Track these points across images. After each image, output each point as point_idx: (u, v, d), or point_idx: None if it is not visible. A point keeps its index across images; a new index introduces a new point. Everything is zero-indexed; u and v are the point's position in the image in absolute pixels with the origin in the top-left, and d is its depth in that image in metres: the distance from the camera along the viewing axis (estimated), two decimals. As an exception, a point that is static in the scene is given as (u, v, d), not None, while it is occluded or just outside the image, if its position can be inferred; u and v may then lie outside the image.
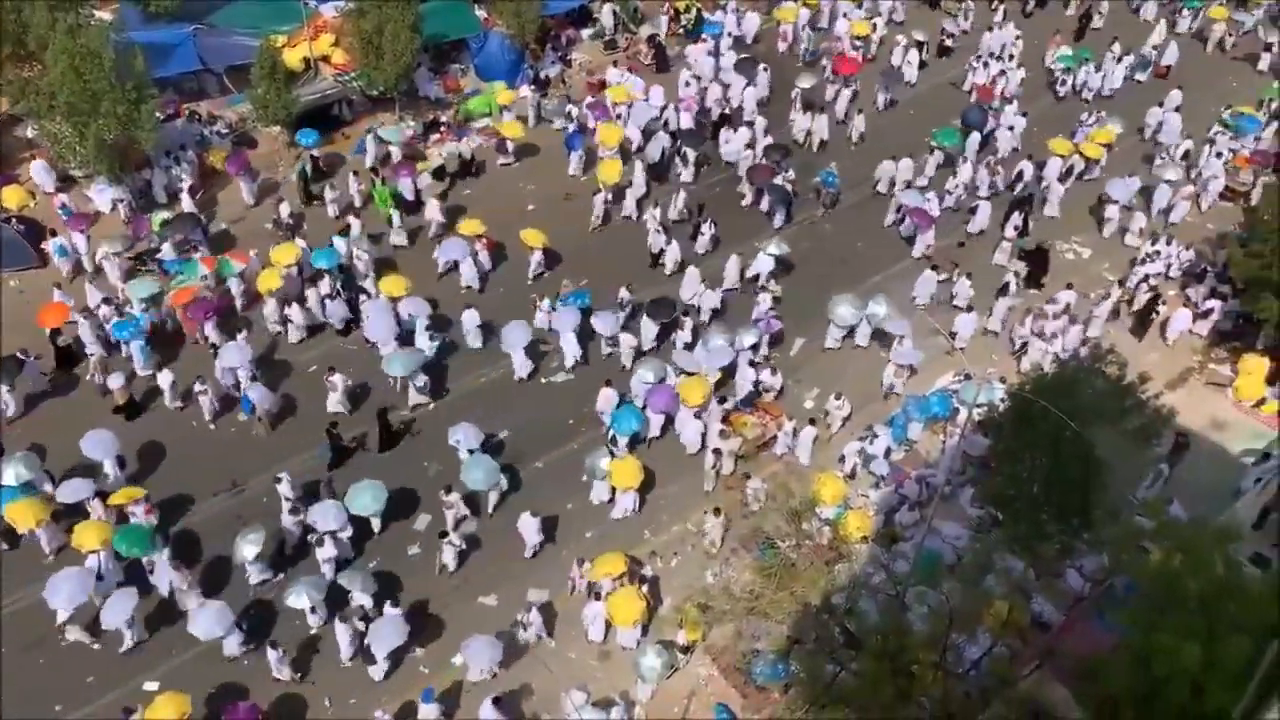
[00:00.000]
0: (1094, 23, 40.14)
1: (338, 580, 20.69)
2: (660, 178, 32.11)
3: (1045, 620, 20.81)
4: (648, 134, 32.82)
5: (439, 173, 31.65)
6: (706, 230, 29.32)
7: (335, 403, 24.58)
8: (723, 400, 24.68)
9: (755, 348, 26.05)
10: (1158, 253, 29.50)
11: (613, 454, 23.28)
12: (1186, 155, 33.75)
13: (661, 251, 28.94)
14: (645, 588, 20.82)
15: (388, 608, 20.15)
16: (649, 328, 26.54)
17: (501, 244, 28.98)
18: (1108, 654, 16.82)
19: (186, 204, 28.78)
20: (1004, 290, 27.95)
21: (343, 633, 20.07)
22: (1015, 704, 17.17)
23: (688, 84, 34.93)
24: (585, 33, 37.78)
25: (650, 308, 26.70)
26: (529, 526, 22.14)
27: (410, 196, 30.07)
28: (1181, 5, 40.89)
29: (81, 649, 20.31)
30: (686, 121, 33.65)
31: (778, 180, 30.68)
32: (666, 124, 33.66)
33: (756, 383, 25.40)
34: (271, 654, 19.57)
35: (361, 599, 20.24)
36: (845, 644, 18.23)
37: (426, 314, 26.01)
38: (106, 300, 25.89)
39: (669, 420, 24.70)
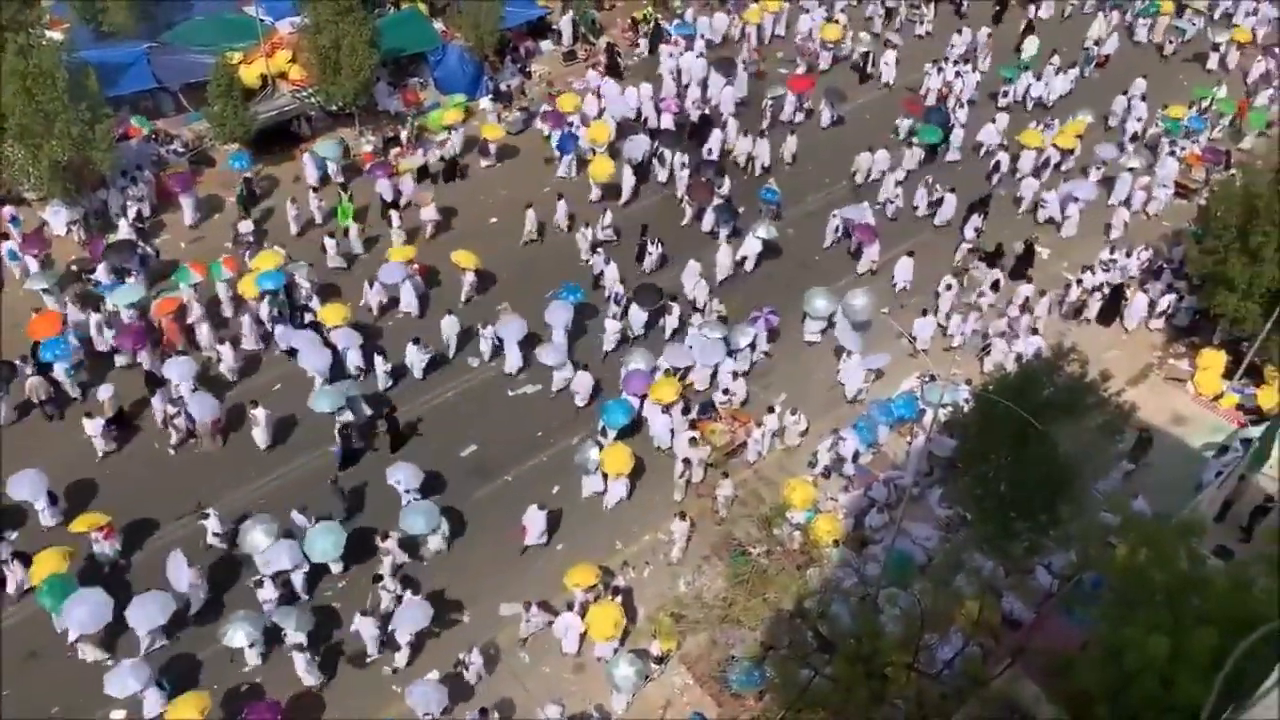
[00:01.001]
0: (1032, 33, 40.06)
1: (272, 618, 19.92)
2: (643, 180, 32.39)
3: (1016, 618, 20.96)
4: (623, 130, 33.09)
5: (422, 173, 31.73)
6: (653, 250, 28.79)
7: (260, 438, 23.93)
8: (687, 410, 24.73)
9: (753, 345, 26.49)
10: (1114, 261, 29.81)
11: (600, 445, 23.44)
12: (1136, 138, 34.81)
13: (601, 273, 28.21)
14: (618, 599, 20.75)
15: (408, 595, 20.46)
16: (638, 315, 27.01)
17: (436, 269, 28.40)
18: (1078, 650, 17.00)
19: (124, 230, 28.24)
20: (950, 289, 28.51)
21: (367, 626, 20.18)
22: (988, 703, 17.29)
23: (691, 83, 35.60)
24: (544, 44, 37.79)
25: (638, 295, 27.16)
26: (535, 519, 22.31)
27: (389, 197, 30.19)
28: (1138, 14, 41.39)
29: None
30: (667, 122, 34.01)
31: (717, 198, 30.42)
32: (646, 122, 34.08)
33: (725, 390, 25.49)
34: (300, 658, 19.58)
35: (296, 638, 19.58)
36: (819, 648, 18.28)
37: (359, 344, 25.30)
38: (96, 307, 25.98)
39: (637, 420, 24.78)
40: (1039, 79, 37.06)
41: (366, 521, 22.60)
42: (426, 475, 22.58)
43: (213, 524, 21.47)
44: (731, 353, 25.99)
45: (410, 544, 21.94)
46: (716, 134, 33.18)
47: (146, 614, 19.58)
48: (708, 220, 30.42)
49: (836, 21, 39.24)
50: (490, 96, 34.46)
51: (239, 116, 30.19)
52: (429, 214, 29.66)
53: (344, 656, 20.58)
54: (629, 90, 34.69)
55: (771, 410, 24.86)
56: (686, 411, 24.83)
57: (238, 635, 19.38)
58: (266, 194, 30.85)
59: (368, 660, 20.44)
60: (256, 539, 20.95)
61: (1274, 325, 25.28)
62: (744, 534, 22.16)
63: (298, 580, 20.99)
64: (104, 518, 21.31)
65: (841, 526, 22.49)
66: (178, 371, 24.18)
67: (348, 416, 23.76)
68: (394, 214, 29.49)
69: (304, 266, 27.36)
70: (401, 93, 34.12)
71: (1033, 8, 41.79)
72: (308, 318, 26.54)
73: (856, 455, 24.38)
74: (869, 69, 37.80)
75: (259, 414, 23.79)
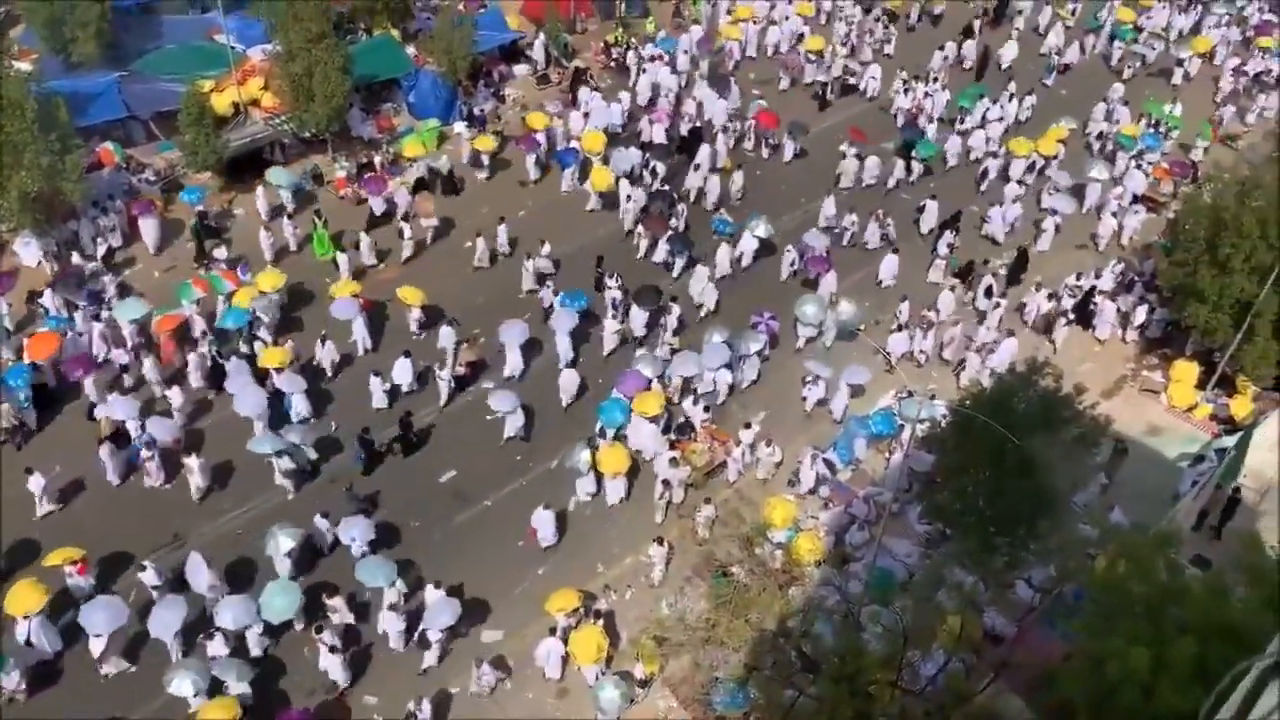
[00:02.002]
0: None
1: (212, 671, 19.23)
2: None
3: (998, 633, 21.00)
4: (614, 141, 33.47)
5: (419, 184, 31.84)
6: (612, 284, 28.26)
7: (195, 484, 23.17)
8: (667, 430, 24.72)
9: (761, 353, 26.94)
10: (1080, 288, 29.91)
11: (595, 446, 23.83)
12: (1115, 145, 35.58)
13: (551, 306, 27.79)
14: (600, 622, 20.64)
15: (430, 589, 20.82)
16: (638, 316, 27.42)
17: (383, 303, 27.87)
18: (1060, 662, 17.03)
19: (75, 260, 28.02)
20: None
21: (393, 621, 20.51)
22: (973, 718, 17.28)
23: (665, 96, 35.97)
24: (518, 68, 37.90)
25: (638, 296, 27.62)
26: (544, 521, 22.52)
27: (379, 210, 30.59)
28: (1113, 37, 41.82)
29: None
30: (659, 135, 34.29)
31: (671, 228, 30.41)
32: (640, 135, 34.40)
33: (706, 408, 25.52)
34: (333, 658, 19.75)
35: (238, 688, 19.09)
36: (803, 668, 18.23)
37: (302, 389, 24.73)
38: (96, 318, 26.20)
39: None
40: (994, 102, 36.85)
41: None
42: (380, 526, 22.22)
43: (149, 576, 20.73)
44: (741, 358, 26.43)
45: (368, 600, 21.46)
46: (705, 149, 33.49)
47: (165, 622, 19.78)
48: (660, 251, 30.11)
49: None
50: (464, 121, 34.49)
51: (211, 144, 30.08)
52: (429, 222, 30.17)
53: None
54: (613, 105, 35.02)
55: (748, 426, 24.87)
56: (666, 431, 24.85)
57: (184, 685, 18.94)
58: (225, 228, 30.26)
59: (393, 650, 20.84)
60: (281, 543, 21.26)
61: (1244, 336, 25.58)
62: (725, 554, 22.11)
63: (252, 638, 20.22)
64: (78, 551, 20.97)
65: (823, 544, 22.49)
66: (123, 410, 23.72)
67: (286, 464, 23.14)
68: (404, 225, 30.03)
69: (273, 303, 26.89)
70: (375, 119, 34.11)
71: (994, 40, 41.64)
72: (252, 352, 25.74)
73: (835, 472, 24.43)
74: (829, 96, 37.70)
75: (192, 462, 23.03)
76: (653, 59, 37.27)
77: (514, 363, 26.45)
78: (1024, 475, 18.98)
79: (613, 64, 38.20)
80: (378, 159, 32.86)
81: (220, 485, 23.66)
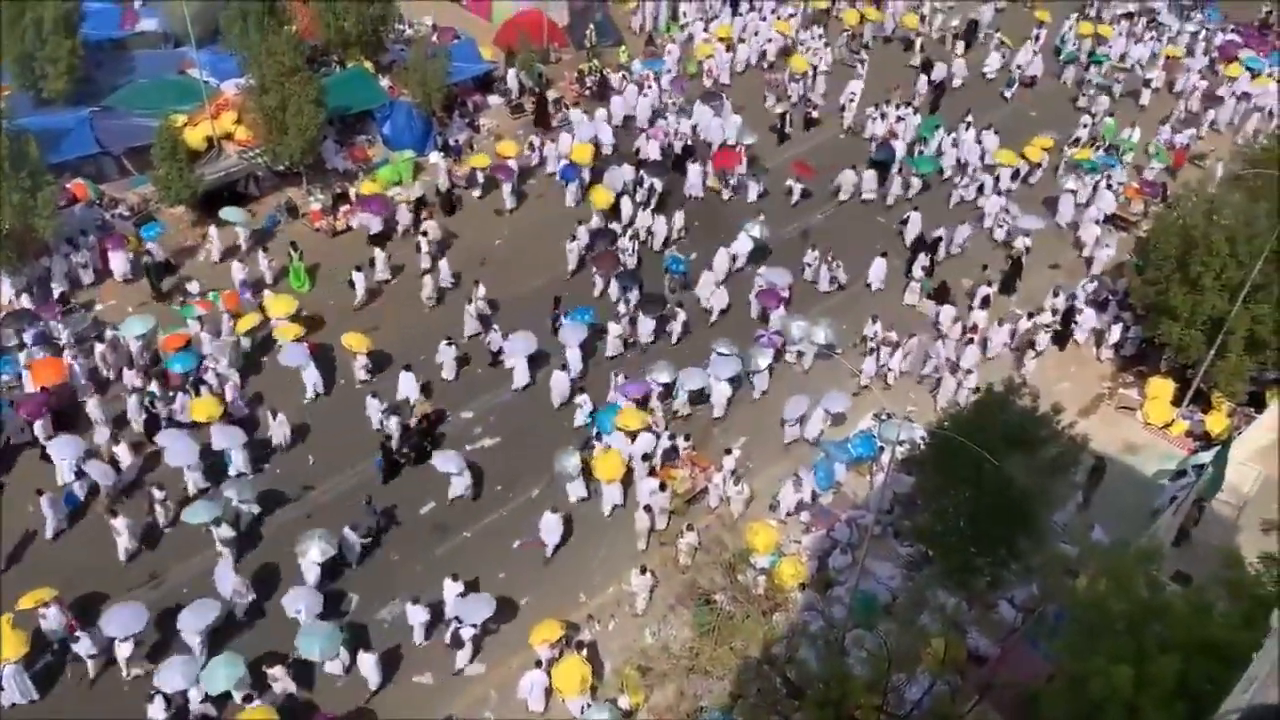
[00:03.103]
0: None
1: None
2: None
3: (982, 654, 20.98)
4: (597, 150, 33.99)
5: (419, 204, 32.10)
6: (566, 321, 27.78)
7: (122, 547, 22.23)
8: (647, 458, 24.69)
9: (770, 370, 27.34)
10: (1055, 310, 29.92)
11: (590, 450, 24.39)
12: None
13: (500, 350, 27.42)
14: (584, 653, 20.47)
15: (449, 583, 21.17)
16: (645, 324, 28.07)
17: (329, 345, 27.35)
18: (1044, 682, 17.02)
19: (24, 300, 27.72)
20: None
21: (417, 614, 20.80)
22: (959, 740, 17.25)
23: (664, 117, 36.38)
24: (492, 98, 38.02)
25: (644, 304, 28.33)
26: (551, 525, 22.76)
27: (376, 230, 30.94)
28: (1090, 62, 42.13)
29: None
30: (654, 152, 34.65)
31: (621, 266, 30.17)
32: (637, 152, 34.82)
33: (687, 435, 25.49)
34: (366, 657, 20.01)
35: None
36: (788, 694, 18.15)
37: (241, 443, 23.82)
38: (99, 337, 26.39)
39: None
40: (949, 133, 36.69)
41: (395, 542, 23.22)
42: (327, 596, 21.55)
43: (84, 645, 20.08)
44: (750, 374, 26.92)
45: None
46: (695, 169, 33.82)
47: (193, 619, 20.09)
48: (613, 290, 29.53)
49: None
50: (439, 151, 34.54)
51: (185, 179, 29.95)
52: (435, 235, 30.64)
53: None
54: (598, 123, 35.53)
55: (729, 453, 24.84)
56: (647, 459, 24.81)
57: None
58: (178, 264, 29.91)
59: (418, 644, 21.24)
60: (313, 553, 21.45)
61: (1217, 352, 25.83)
62: (708, 581, 22.01)
63: (194, 700, 19.57)
64: (50, 592, 20.65)
65: (805, 569, 22.43)
66: (67, 450, 23.21)
67: (224, 532, 22.27)
68: (422, 240, 30.42)
69: (228, 349, 26.39)
70: (349, 150, 34.09)
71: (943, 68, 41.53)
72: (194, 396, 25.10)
73: (815, 496, 24.42)
74: (787, 129, 37.54)
75: (119, 524, 22.04)
76: (636, 82, 37.71)
77: (521, 375, 26.78)
78: (1003, 495, 19.05)
79: (586, 93, 38.38)
80: (352, 190, 32.80)
81: (150, 546, 22.74)
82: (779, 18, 42.97)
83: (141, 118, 31.79)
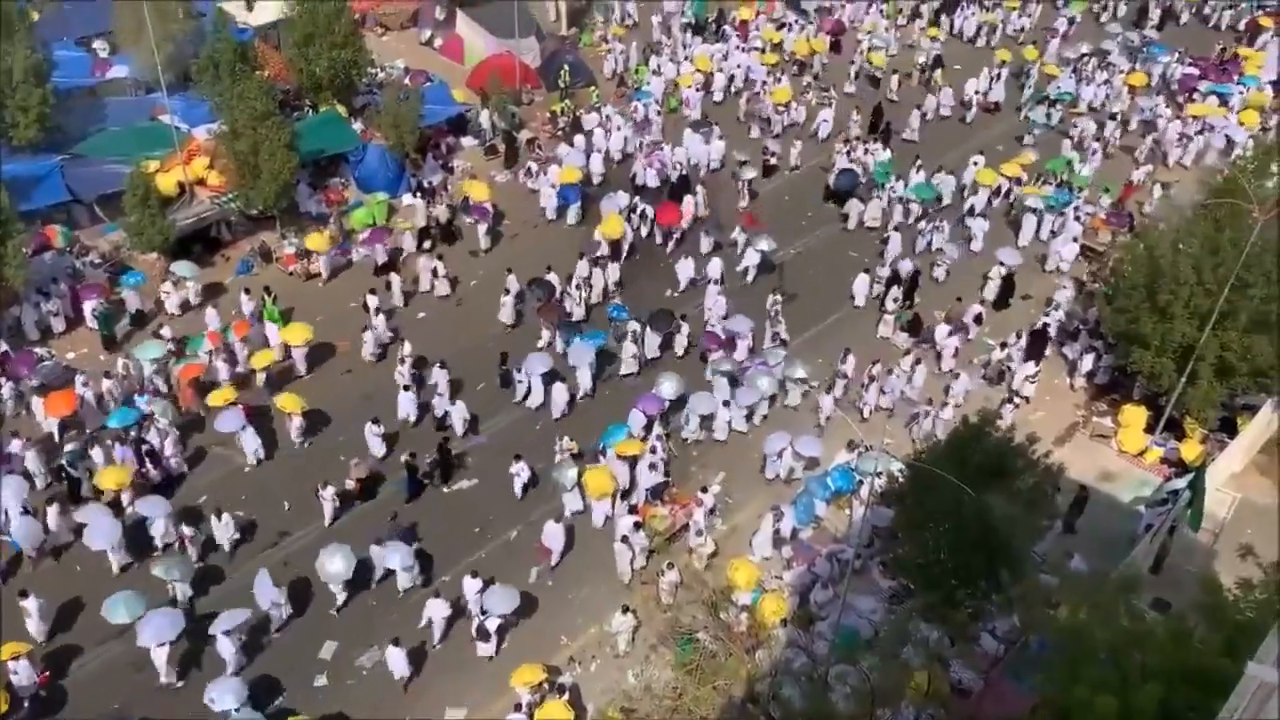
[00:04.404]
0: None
1: None
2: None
3: (965, 686, 20.91)
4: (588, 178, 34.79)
5: (423, 234, 32.69)
6: (521, 378, 27.58)
7: (34, 630, 21.15)
8: (625, 495, 24.63)
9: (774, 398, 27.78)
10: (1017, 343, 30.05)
11: (593, 460, 24.85)
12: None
13: (427, 405, 26.85)
14: (565, 696, 20.25)
15: (468, 580, 21.83)
16: (652, 339, 28.83)
17: (265, 408, 26.61)
18: (1028, 714, 16.99)
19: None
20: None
21: (438, 609, 21.31)
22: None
23: (660, 146, 36.94)
24: (465, 140, 38.19)
25: (652, 320, 29.04)
26: (555, 535, 23.22)
27: (382, 260, 31.54)
28: (1055, 100, 42.49)
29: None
30: (652, 180, 35.19)
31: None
32: (634, 179, 35.41)
33: (666, 472, 25.44)
34: (394, 652, 20.41)
35: None
36: (772, 733, 18.03)
37: (165, 513, 22.97)
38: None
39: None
40: (899, 179, 36.37)
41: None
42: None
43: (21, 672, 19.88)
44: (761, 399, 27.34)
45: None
46: (689, 200, 34.16)
47: (227, 622, 20.58)
48: (558, 341, 29.14)
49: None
50: (413, 192, 34.62)
51: (157, 225, 29.82)
52: (441, 269, 31.27)
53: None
54: (582, 149, 36.26)
55: (705, 490, 24.79)
56: (625, 497, 24.75)
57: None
58: (148, 316, 29.66)
59: (433, 646, 21.66)
60: (337, 567, 21.65)
61: (1188, 379, 26.10)
62: (690, 619, 21.88)
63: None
64: (24, 646, 20.27)
65: (787, 605, 22.33)
66: (9, 492, 22.89)
67: (170, 641, 20.72)
68: (394, 276, 30.79)
69: (169, 407, 25.76)
70: (323, 193, 34.10)
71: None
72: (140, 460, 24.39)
73: (795, 532, 24.38)
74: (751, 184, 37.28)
75: (29, 605, 20.97)
76: (634, 109, 38.83)
77: (536, 394, 27.22)
78: (982, 526, 19.10)
79: (559, 133, 38.64)
80: (326, 233, 32.77)
81: (64, 628, 21.78)
82: (747, 50, 43.67)
83: (113, 164, 31.69)
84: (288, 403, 25.93)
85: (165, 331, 28.31)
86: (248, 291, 29.69)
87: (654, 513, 24.38)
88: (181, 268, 30.01)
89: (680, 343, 29.16)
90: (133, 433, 24.83)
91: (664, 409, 26.53)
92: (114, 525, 22.68)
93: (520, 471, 24.91)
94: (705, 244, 33.40)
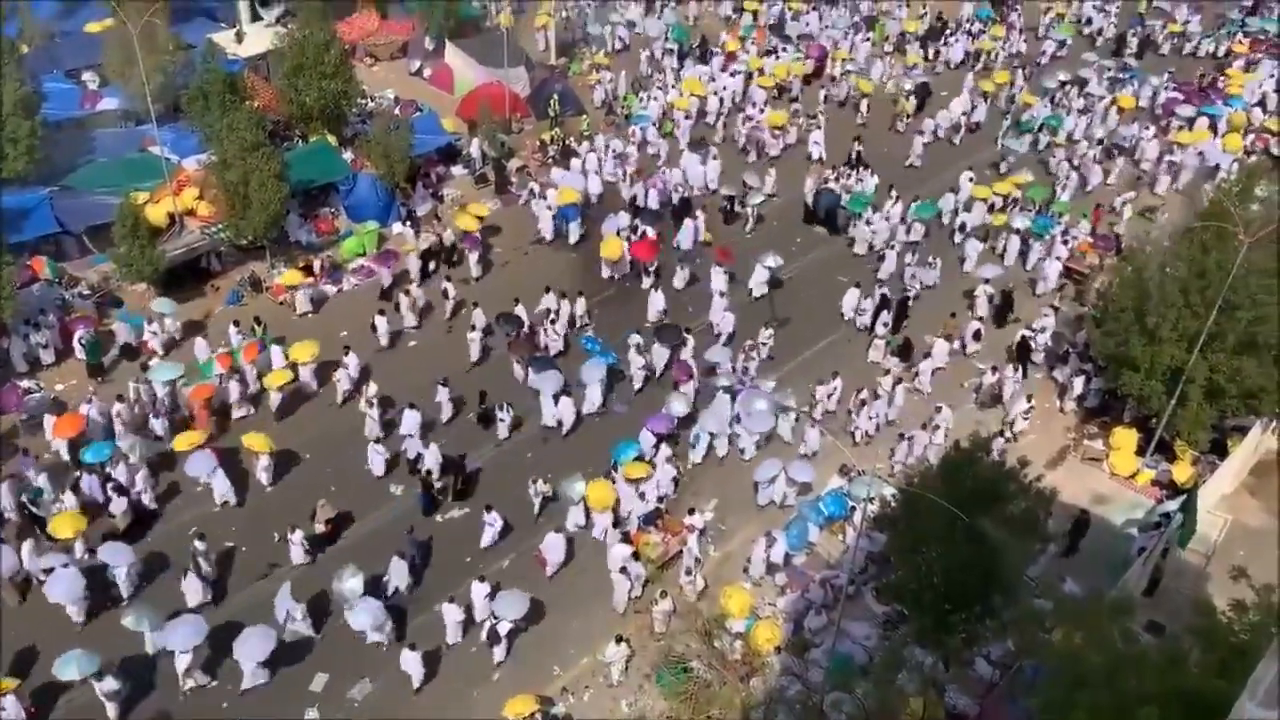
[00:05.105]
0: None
1: None
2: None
3: (960, 712, 20.82)
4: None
5: (426, 256, 32.97)
6: (504, 416, 27.26)
7: None
8: (617, 523, 24.56)
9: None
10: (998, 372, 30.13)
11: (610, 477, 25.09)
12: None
13: (396, 457, 26.25)
14: (559, 727, 20.12)
15: (476, 585, 22.16)
16: (660, 353, 29.24)
17: (234, 449, 26.15)
18: (1025, 740, 16.92)
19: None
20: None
21: (451, 613, 21.74)
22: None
23: (662, 170, 37.41)
24: (455, 169, 38.31)
25: (660, 334, 29.66)
26: (555, 546, 23.50)
27: (387, 284, 31.96)
28: (1038, 126, 42.68)
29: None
30: (653, 202, 35.62)
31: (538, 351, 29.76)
32: (634, 200, 35.84)
33: (661, 498, 25.40)
34: (409, 654, 20.75)
35: None
36: (767, 761, 17.88)
37: (127, 562, 22.41)
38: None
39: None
40: (876, 210, 36.19)
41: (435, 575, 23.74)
42: None
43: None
44: (779, 411, 27.44)
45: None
46: (689, 225, 34.51)
47: (250, 649, 20.74)
48: (532, 378, 28.56)
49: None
50: (404, 221, 34.70)
51: (146, 256, 29.79)
52: (452, 290, 31.64)
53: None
54: (574, 173, 36.62)
55: (692, 512, 24.70)
56: (617, 524, 24.68)
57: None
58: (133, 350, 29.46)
59: (449, 646, 22.08)
60: (353, 586, 21.95)
61: (1177, 402, 26.18)
62: (684, 647, 21.75)
63: None
64: (11, 682, 20.01)
65: (781, 632, 22.23)
66: None
67: (109, 684, 20.16)
68: (404, 297, 31.10)
69: (140, 444, 25.53)
70: (313, 223, 34.13)
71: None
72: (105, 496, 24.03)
73: (788, 558, 24.31)
74: (736, 208, 37.15)
75: None
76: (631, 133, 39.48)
77: (549, 412, 27.52)
78: (975, 551, 19.05)
79: (549, 161, 38.81)
80: (316, 263, 32.79)
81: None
82: (732, 75, 44.06)
83: (103, 196, 31.70)
84: (255, 442, 25.44)
85: (154, 363, 28.21)
86: (237, 323, 29.59)
87: (647, 539, 24.28)
88: (160, 304, 29.74)
89: (685, 354, 29.28)
90: (108, 468, 24.55)
91: (673, 429, 26.75)
92: (75, 578, 21.91)
93: (493, 522, 24.17)
94: (679, 278, 33.24)
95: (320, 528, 24.17)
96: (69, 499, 23.93)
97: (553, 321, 30.23)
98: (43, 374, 28.60)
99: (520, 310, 30.28)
